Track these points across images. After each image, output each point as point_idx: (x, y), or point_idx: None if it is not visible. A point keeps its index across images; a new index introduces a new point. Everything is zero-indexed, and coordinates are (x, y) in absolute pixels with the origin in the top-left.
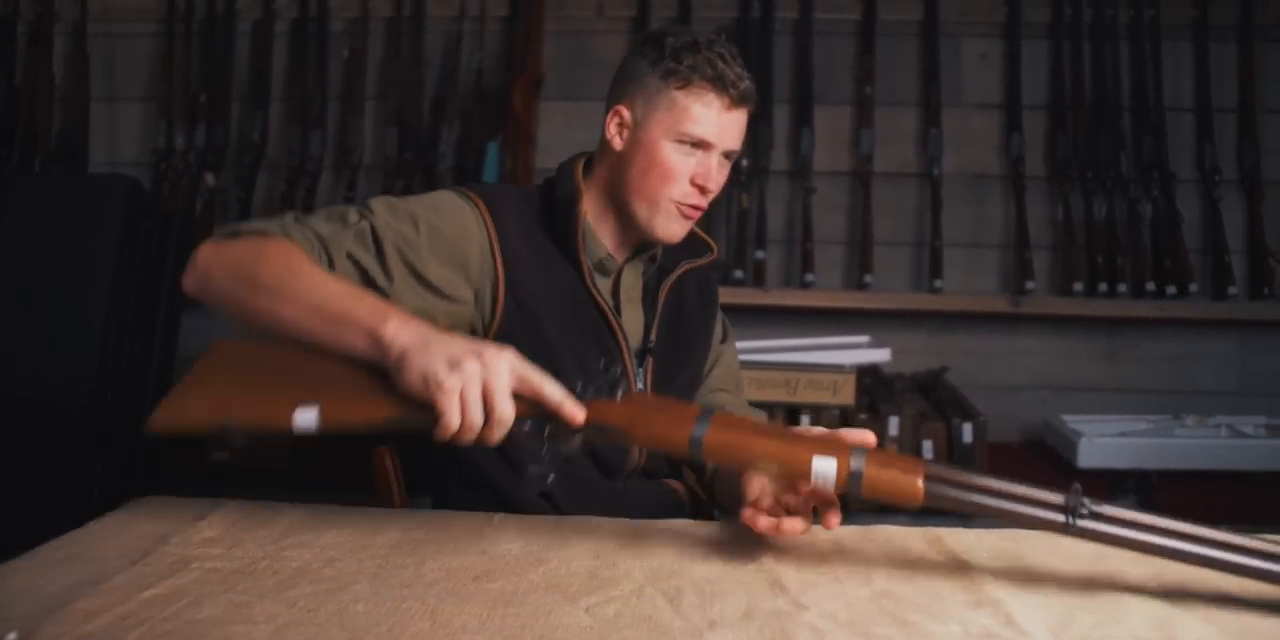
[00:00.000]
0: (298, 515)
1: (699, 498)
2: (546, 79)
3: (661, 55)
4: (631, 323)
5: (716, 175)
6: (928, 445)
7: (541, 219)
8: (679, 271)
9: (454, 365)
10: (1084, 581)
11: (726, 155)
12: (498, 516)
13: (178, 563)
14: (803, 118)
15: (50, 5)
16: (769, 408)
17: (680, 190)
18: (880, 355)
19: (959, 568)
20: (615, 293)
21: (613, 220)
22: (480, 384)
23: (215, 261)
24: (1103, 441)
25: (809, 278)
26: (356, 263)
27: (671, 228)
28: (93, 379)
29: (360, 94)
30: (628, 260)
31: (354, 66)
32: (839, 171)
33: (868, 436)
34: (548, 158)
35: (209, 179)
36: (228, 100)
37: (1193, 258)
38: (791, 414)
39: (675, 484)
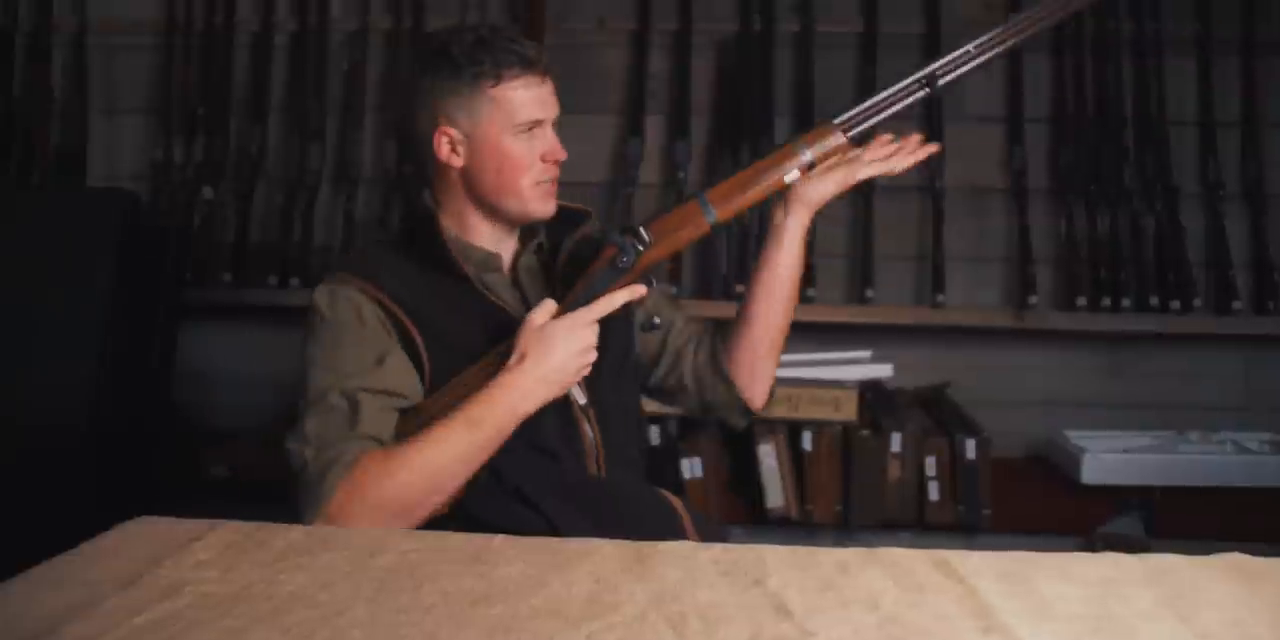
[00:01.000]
0: (294, 537)
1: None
2: None
3: (456, 64)
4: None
5: (558, 144)
6: (930, 461)
7: (413, 257)
8: (567, 250)
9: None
10: (1095, 606)
11: (554, 122)
12: (497, 538)
13: (171, 587)
14: (804, 131)
15: (49, 17)
16: (770, 424)
17: (536, 172)
18: (882, 370)
19: (967, 592)
20: (517, 283)
21: (484, 226)
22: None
23: (356, 519)
24: (1107, 457)
25: (810, 292)
26: (392, 411)
27: (546, 207)
28: (90, 393)
29: (360, 107)
30: (519, 254)
31: (353, 79)
32: None
33: None
34: None
35: (207, 192)
36: (227, 113)
37: (1196, 272)
38: (793, 430)
39: (672, 498)
